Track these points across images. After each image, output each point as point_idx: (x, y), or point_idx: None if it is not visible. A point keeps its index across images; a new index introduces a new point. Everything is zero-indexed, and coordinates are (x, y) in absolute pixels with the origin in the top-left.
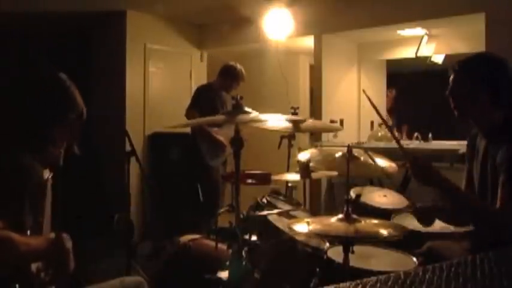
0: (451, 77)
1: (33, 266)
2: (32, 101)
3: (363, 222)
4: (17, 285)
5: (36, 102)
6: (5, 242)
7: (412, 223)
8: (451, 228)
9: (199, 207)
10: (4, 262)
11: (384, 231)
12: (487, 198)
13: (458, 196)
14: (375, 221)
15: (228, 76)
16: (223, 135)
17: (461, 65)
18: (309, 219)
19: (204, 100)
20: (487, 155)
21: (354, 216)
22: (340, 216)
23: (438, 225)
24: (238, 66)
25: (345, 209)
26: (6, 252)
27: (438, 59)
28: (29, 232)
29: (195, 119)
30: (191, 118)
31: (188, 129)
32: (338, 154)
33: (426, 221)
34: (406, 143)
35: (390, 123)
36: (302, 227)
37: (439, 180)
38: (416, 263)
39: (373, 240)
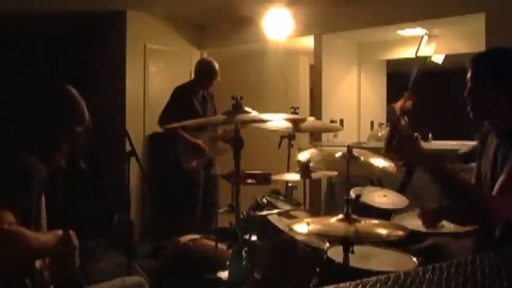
0: (469, 76)
1: (37, 263)
2: (44, 112)
3: (362, 222)
4: (27, 280)
5: (48, 114)
6: (17, 236)
7: (412, 223)
8: (451, 227)
9: (179, 209)
10: (15, 256)
11: (384, 231)
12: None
13: (444, 174)
14: (375, 221)
15: (205, 72)
16: (203, 138)
17: (479, 64)
18: (309, 219)
19: (181, 103)
20: (497, 155)
21: (354, 216)
22: (340, 216)
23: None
24: (212, 60)
25: (345, 209)
26: (18, 246)
27: (438, 59)
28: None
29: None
30: (165, 125)
31: None
32: (338, 154)
33: (431, 223)
34: None
35: (403, 122)
36: (302, 227)
37: (419, 154)
38: (416, 263)
39: (373, 240)
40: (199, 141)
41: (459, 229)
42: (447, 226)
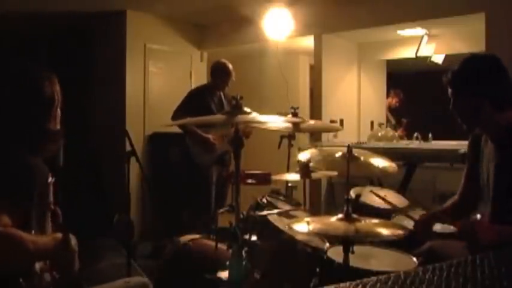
0: (449, 92)
1: (37, 266)
2: (16, 100)
3: (362, 222)
4: (21, 279)
5: (20, 101)
6: (14, 240)
7: (412, 223)
8: (451, 228)
9: (192, 206)
10: (13, 260)
11: (384, 231)
12: (507, 201)
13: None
14: (375, 221)
15: (219, 73)
16: (214, 134)
17: (455, 76)
18: (308, 219)
19: (197, 103)
20: (502, 158)
21: (354, 216)
22: (340, 216)
23: (439, 225)
24: (226, 62)
25: (345, 208)
26: (16, 250)
27: (438, 59)
28: (33, 231)
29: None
30: (176, 120)
31: None
32: (338, 154)
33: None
34: (405, 142)
35: (393, 122)
36: (302, 227)
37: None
38: (416, 263)
39: (373, 240)
40: (209, 136)
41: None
42: (446, 226)
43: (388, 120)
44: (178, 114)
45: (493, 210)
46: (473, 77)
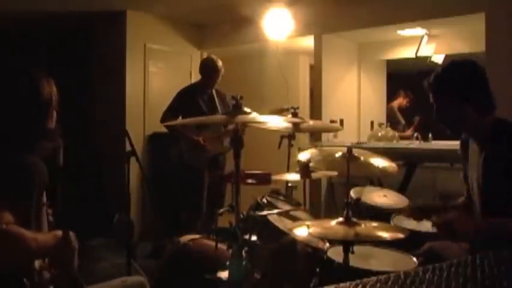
0: (431, 98)
1: (36, 264)
2: (14, 100)
3: (363, 225)
4: (25, 280)
5: (18, 101)
6: (16, 237)
7: (412, 223)
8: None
9: (185, 207)
10: (13, 257)
11: (383, 234)
12: (494, 203)
13: (496, 230)
14: (375, 224)
15: (207, 70)
16: (207, 135)
17: (435, 84)
18: (309, 223)
19: (185, 103)
20: (486, 160)
21: (354, 219)
22: (340, 219)
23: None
24: (214, 58)
25: (345, 212)
26: (18, 248)
27: (438, 59)
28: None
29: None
30: (166, 122)
31: None
32: (338, 154)
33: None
34: (405, 142)
35: (403, 122)
36: (302, 230)
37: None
38: (416, 263)
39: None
40: (200, 139)
41: None
42: None
43: (395, 121)
44: (167, 115)
45: (483, 212)
46: (454, 83)
